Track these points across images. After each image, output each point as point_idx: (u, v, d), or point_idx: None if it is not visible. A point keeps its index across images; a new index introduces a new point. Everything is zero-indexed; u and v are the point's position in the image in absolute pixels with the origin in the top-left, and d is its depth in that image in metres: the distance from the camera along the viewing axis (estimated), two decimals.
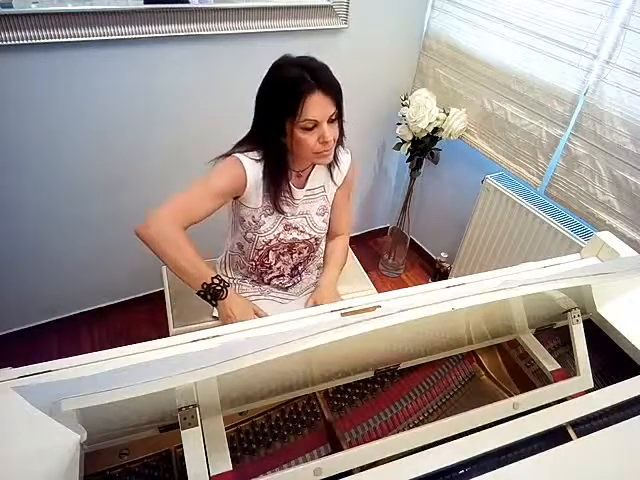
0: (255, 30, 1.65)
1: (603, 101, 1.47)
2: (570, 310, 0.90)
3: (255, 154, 1.17)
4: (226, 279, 1.17)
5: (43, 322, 1.97)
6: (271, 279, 1.39)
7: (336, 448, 0.78)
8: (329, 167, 1.28)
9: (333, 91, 1.08)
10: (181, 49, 1.59)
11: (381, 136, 2.28)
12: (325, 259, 1.42)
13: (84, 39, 1.40)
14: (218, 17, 1.57)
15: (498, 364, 1.00)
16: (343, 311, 0.88)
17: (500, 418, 0.75)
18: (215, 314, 1.38)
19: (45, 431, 0.65)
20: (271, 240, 1.27)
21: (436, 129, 1.97)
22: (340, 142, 1.20)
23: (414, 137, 2.02)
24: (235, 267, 1.42)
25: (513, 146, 1.82)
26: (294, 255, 1.36)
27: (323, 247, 1.46)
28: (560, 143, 1.65)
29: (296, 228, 1.29)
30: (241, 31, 1.62)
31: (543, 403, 0.79)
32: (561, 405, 0.78)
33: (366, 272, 1.68)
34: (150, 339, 0.79)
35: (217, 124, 1.79)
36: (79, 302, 2.02)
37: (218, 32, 1.59)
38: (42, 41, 1.35)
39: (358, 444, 0.75)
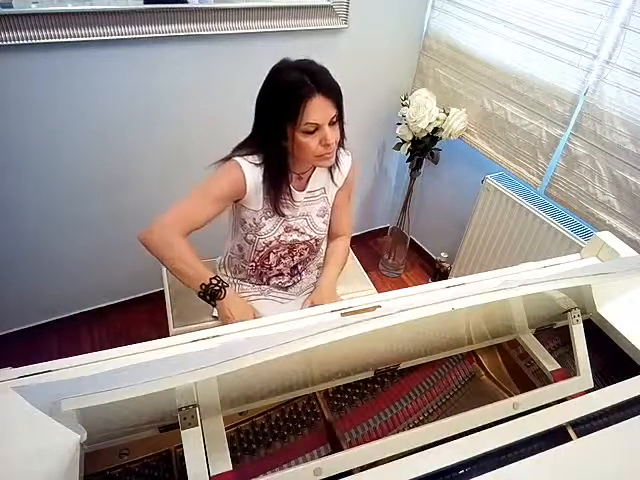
0: (255, 30, 1.65)
1: (603, 101, 1.47)
2: (570, 310, 0.90)
3: (255, 158, 1.17)
4: (225, 279, 1.17)
5: (43, 322, 1.97)
6: (271, 278, 1.39)
7: (336, 448, 0.78)
8: (330, 169, 1.28)
9: (333, 94, 1.08)
10: (181, 49, 1.59)
11: (381, 136, 2.28)
12: (325, 259, 1.42)
13: (84, 39, 1.40)
14: (218, 17, 1.57)
15: (498, 364, 1.00)
16: (343, 311, 0.88)
17: (500, 418, 0.75)
18: (215, 314, 1.38)
19: (45, 431, 0.65)
20: (271, 242, 1.27)
21: (436, 129, 1.97)
22: (341, 144, 1.20)
23: (414, 137, 2.02)
24: (234, 270, 1.42)
25: (513, 146, 1.82)
26: (295, 257, 1.36)
27: (324, 247, 1.46)
28: (560, 143, 1.65)
29: (297, 230, 1.29)
30: (241, 31, 1.62)
31: (543, 403, 0.79)
32: (561, 405, 0.78)
33: (366, 272, 1.68)
34: (150, 339, 0.79)
35: (217, 124, 1.79)
36: (79, 302, 2.02)
37: (218, 32, 1.59)
38: (42, 41, 1.35)
39: (358, 444, 0.75)
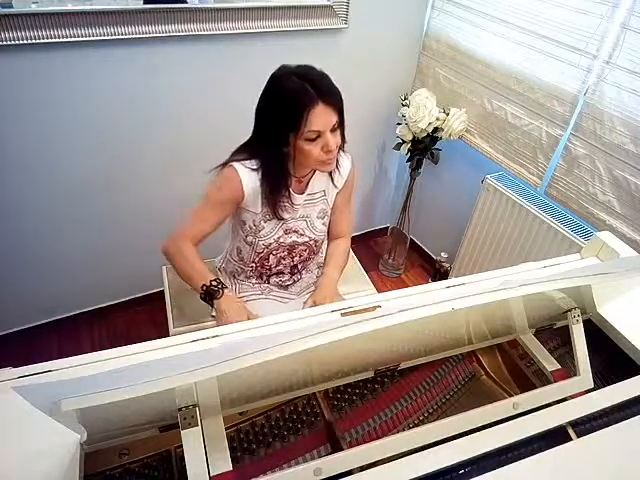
0: (255, 30, 1.65)
1: (603, 101, 1.47)
2: (570, 310, 0.90)
3: (252, 163, 1.18)
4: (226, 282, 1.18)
5: (43, 322, 1.97)
6: (271, 277, 1.40)
7: (336, 448, 0.78)
8: (330, 172, 1.28)
9: (335, 100, 1.08)
10: (181, 49, 1.59)
11: (381, 136, 2.28)
12: (326, 260, 1.42)
13: (84, 39, 1.40)
14: (218, 17, 1.57)
15: (498, 364, 1.00)
16: (343, 311, 0.88)
17: (500, 418, 0.75)
18: (214, 314, 1.38)
19: (45, 431, 0.65)
20: (271, 244, 1.28)
21: (436, 129, 1.97)
22: (341, 147, 1.21)
23: (414, 137, 2.02)
24: (231, 274, 1.42)
25: (513, 146, 1.82)
26: (295, 257, 1.37)
27: (324, 248, 1.46)
28: (560, 143, 1.65)
29: (296, 232, 1.30)
30: (241, 31, 1.62)
31: (543, 403, 0.79)
32: (561, 405, 0.78)
33: (366, 272, 1.68)
34: (150, 339, 0.80)
35: (216, 125, 1.79)
36: (79, 302, 2.02)
37: (218, 32, 1.59)
38: (42, 41, 1.35)
39: (358, 444, 0.75)
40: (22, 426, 0.67)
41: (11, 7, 1.27)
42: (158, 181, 1.83)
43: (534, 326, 0.98)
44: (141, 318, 2.10)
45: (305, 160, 1.14)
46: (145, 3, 1.45)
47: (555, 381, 0.86)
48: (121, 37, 1.45)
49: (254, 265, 1.35)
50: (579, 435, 0.76)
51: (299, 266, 1.42)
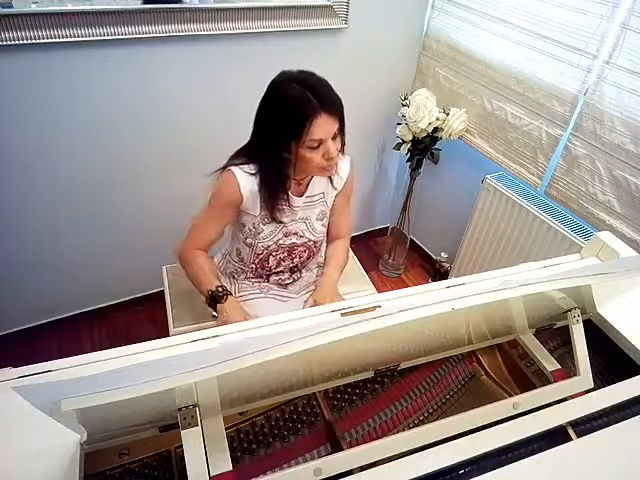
0: (255, 30, 1.65)
1: (603, 101, 1.47)
2: (570, 310, 0.90)
3: (250, 167, 1.18)
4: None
5: (43, 322, 1.97)
6: (271, 276, 1.40)
7: (336, 448, 0.78)
8: None
9: (336, 109, 1.09)
10: (181, 49, 1.59)
11: (381, 136, 2.28)
12: (325, 261, 1.43)
13: (84, 39, 1.40)
14: (218, 17, 1.57)
15: (498, 364, 1.00)
16: (343, 311, 0.88)
17: (500, 418, 0.75)
18: (214, 314, 1.38)
19: (45, 431, 0.65)
20: (270, 245, 1.29)
21: (436, 129, 1.97)
22: (341, 150, 1.21)
23: (414, 137, 2.02)
24: (231, 275, 1.42)
25: (513, 146, 1.82)
26: (294, 259, 1.38)
27: (324, 248, 1.46)
28: (560, 143, 1.65)
29: (295, 234, 1.31)
30: (241, 31, 1.62)
31: (543, 403, 0.79)
32: (561, 405, 0.78)
33: (366, 272, 1.68)
34: (150, 339, 0.80)
35: (216, 124, 1.79)
36: (79, 302, 2.02)
37: (218, 32, 1.59)
38: (42, 41, 1.35)
39: (358, 444, 0.75)
40: (22, 426, 0.67)
41: (11, 7, 1.27)
42: (158, 181, 1.83)
43: (534, 326, 0.98)
44: (141, 318, 2.10)
45: (306, 166, 1.15)
46: (144, 3, 1.45)
47: (555, 381, 0.86)
48: (121, 37, 1.45)
49: (254, 266, 1.35)
50: (579, 435, 0.76)
51: (299, 265, 1.43)
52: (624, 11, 1.36)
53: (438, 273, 2.37)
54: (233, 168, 1.18)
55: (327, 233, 1.42)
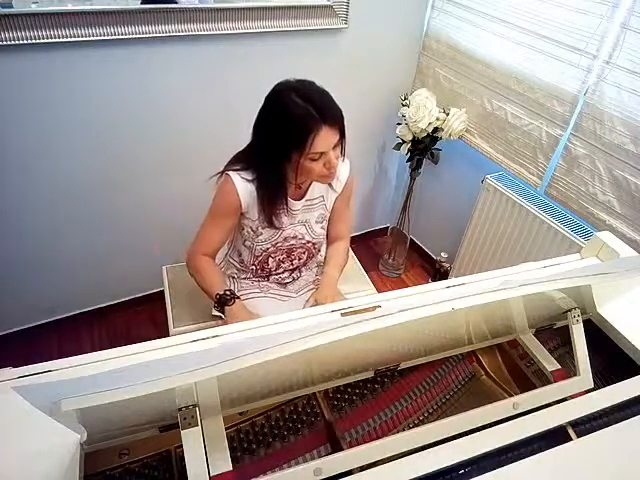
0: (255, 30, 1.65)
1: (603, 101, 1.47)
2: (570, 310, 0.90)
3: (248, 173, 1.19)
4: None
5: (43, 322, 1.97)
6: (271, 275, 1.40)
7: (336, 448, 0.78)
8: None
9: (337, 121, 1.09)
10: (181, 49, 1.59)
11: (381, 136, 2.28)
12: (326, 262, 1.43)
13: (84, 39, 1.40)
14: (217, 17, 1.56)
15: (498, 364, 1.00)
16: (343, 311, 0.88)
17: (500, 418, 0.75)
18: (215, 313, 1.39)
19: (45, 431, 0.65)
20: (269, 248, 1.30)
21: (436, 129, 1.97)
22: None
23: (414, 137, 2.02)
24: (231, 275, 1.42)
25: (513, 146, 1.82)
26: (294, 260, 1.38)
27: (323, 248, 1.46)
28: (560, 143, 1.65)
29: (294, 237, 1.32)
30: (241, 31, 1.62)
31: (543, 403, 0.79)
32: (561, 405, 0.78)
33: (366, 272, 1.68)
34: (150, 339, 0.79)
35: (216, 124, 1.79)
36: (79, 302, 2.02)
37: (217, 32, 1.58)
38: (42, 41, 1.35)
39: (358, 444, 0.75)
40: (22, 426, 0.67)
41: (11, 7, 1.27)
42: (158, 181, 1.82)
43: (534, 326, 0.98)
44: (141, 318, 2.10)
45: (307, 175, 1.16)
46: (143, 3, 1.45)
47: (555, 381, 0.86)
48: (121, 37, 1.45)
49: (254, 268, 1.36)
50: (579, 435, 0.76)
51: (299, 267, 1.43)
52: (624, 11, 1.36)
53: (438, 273, 2.36)
54: (231, 173, 1.18)
55: (327, 235, 1.42)
